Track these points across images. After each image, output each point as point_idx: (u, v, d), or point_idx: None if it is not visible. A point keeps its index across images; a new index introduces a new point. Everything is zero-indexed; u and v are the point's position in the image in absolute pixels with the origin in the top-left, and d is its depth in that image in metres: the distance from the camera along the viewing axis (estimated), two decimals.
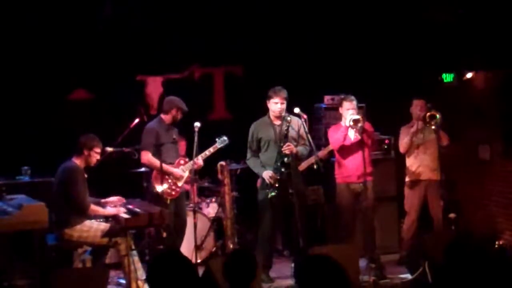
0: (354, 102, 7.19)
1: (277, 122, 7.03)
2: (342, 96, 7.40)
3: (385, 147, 8.15)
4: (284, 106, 6.97)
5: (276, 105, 6.95)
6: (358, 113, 7.14)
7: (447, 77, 8.46)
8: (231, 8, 8.54)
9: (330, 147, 7.40)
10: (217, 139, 7.33)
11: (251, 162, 7.12)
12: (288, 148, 6.85)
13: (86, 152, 6.48)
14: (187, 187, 7.53)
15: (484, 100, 8.20)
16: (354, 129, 7.08)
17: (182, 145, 7.74)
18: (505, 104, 7.92)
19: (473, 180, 8.45)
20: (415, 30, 8.43)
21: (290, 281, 6.86)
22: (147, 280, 3.77)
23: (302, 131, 7.01)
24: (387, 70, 8.74)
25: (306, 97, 8.15)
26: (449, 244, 4.02)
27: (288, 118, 6.94)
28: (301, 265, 3.60)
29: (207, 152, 7.26)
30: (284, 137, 6.90)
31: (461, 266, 3.96)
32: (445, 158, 7.60)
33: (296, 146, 6.96)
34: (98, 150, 6.56)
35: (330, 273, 3.48)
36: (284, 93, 6.95)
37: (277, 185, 6.84)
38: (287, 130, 6.91)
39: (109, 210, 6.61)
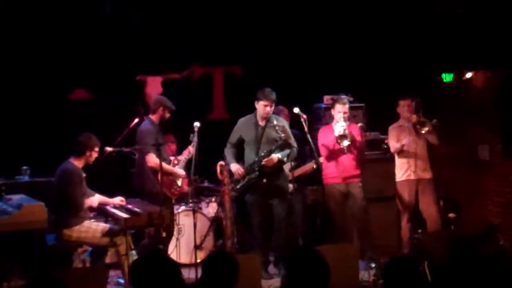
0: (347, 105, 7.20)
1: (262, 123, 7.05)
2: (335, 98, 7.40)
3: (384, 146, 8.15)
4: (272, 109, 6.99)
5: (265, 108, 6.96)
6: (348, 119, 7.16)
7: (447, 77, 8.45)
8: (231, 8, 8.54)
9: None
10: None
11: (227, 152, 7.22)
12: (266, 162, 6.89)
13: (88, 153, 6.51)
14: (185, 188, 7.55)
15: (484, 100, 8.20)
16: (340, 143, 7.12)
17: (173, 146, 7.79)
18: (504, 104, 7.92)
19: (473, 180, 8.45)
20: (414, 30, 8.43)
21: None
22: (131, 282, 3.71)
23: (286, 133, 6.97)
24: (386, 69, 8.73)
25: (306, 97, 8.15)
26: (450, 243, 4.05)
27: (275, 122, 6.94)
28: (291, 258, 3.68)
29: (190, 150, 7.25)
30: (268, 153, 6.91)
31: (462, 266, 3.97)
32: (444, 158, 7.61)
33: (277, 147, 6.94)
34: (97, 149, 6.61)
35: (314, 265, 3.59)
36: (273, 96, 6.96)
37: (242, 183, 7.02)
38: (278, 139, 6.92)
39: (115, 201, 6.70)
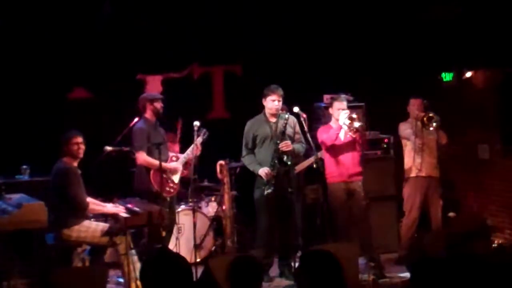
0: (345, 103, 7.19)
1: (273, 120, 7.06)
2: (334, 97, 7.39)
3: (385, 146, 8.16)
4: (281, 103, 7.00)
5: (273, 102, 6.98)
6: (351, 113, 7.14)
7: (447, 76, 8.47)
8: (230, 7, 8.54)
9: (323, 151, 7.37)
10: (197, 133, 7.18)
11: (247, 160, 7.13)
12: (285, 145, 6.87)
13: (65, 148, 6.42)
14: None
15: (484, 99, 8.20)
16: (349, 128, 7.06)
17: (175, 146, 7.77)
18: (504, 103, 7.92)
19: (473, 180, 8.45)
20: (414, 29, 8.43)
21: (289, 281, 6.88)
22: (141, 279, 3.71)
23: (297, 128, 7.05)
24: (386, 69, 8.74)
25: (306, 96, 8.15)
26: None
27: (286, 116, 6.97)
28: (304, 260, 3.65)
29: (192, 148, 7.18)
30: (282, 135, 6.93)
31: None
32: (444, 157, 7.60)
33: (292, 143, 6.98)
34: (76, 140, 6.41)
35: (329, 269, 3.55)
36: (280, 91, 6.98)
37: (273, 182, 6.86)
38: (285, 127, 6.94)
39: (109, 209, 6.59)
